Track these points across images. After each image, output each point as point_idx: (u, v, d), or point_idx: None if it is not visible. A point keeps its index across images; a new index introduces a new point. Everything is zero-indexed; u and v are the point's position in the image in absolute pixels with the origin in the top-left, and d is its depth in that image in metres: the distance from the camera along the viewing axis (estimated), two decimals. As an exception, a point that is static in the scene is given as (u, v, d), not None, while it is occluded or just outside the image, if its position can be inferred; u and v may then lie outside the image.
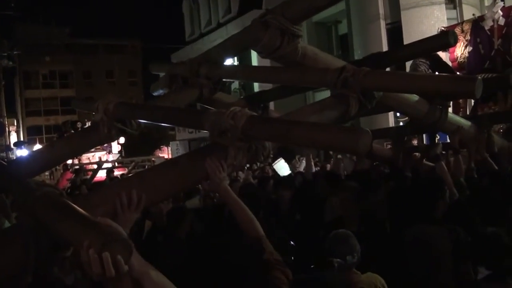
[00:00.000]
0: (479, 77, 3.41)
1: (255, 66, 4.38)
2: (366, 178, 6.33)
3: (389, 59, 5.35)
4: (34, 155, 5.40)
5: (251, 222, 3.11)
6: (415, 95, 5.06)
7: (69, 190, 13.39)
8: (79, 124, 21.26)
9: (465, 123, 5.85)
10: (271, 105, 6.66)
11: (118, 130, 4.13)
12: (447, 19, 16.30)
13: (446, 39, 4.49)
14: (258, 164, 14.36)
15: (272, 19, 3.70)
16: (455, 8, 17.45)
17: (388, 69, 5.32)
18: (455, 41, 4.58)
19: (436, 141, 7.16)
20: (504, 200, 4.85)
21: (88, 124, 21.42)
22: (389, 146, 9.54)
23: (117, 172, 19.28)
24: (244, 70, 5.71)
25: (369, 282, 3.75)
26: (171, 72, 5.43)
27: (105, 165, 20.73)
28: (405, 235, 4.41)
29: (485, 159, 5.86)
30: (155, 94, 5.88)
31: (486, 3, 13.29)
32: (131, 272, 1.90)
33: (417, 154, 7.17)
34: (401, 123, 14.01)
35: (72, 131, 20.70)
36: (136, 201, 2.79)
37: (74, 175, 17.50)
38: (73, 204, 2.20)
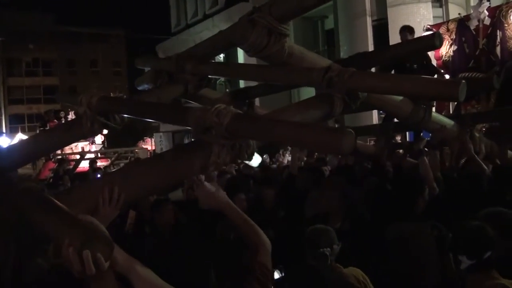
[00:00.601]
0: (463, 80, 3.42)
1: (241, 64, 4.39)
2: (350, 173, 6.37)
3: (375, 59, 5.38)
4: (16, 147, 5.35)
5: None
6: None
7: (51, 180, 13.32)
8: (62, 114, 21.05)
9: (448, 122, 5.92)
10: (257, 101, 6.63)
11: (101, 124, 4.09)
12: (433, 17, 16.38)
13: (432, 41, 4.52)
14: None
15: (259, 18, 3.68)
16: (441, 6, 17.55)
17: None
18: (441, 43, 4.63)
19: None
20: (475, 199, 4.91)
21: (71, 114, 21.28)
22: (372, 143, 9.60)
23: (100, 163, 19.20)
24: (230, 68, 5.72)
25: (351, 275, 3.78)
26: (157, 67, 5.41)
27: (88, 156, 20.61)
28: (386, 233, 4.44)
29: (473, 157, 5.92)
30: (139, 88, 5.85)
31: (472, 3, 13.38)
32: (116, 268, 1.92)
33: (400, 151, 7.23)
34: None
35: (55, 120, 20.57)
36: (116, 198, 2.78)
37: (56, 165, 17.37)
38: (55, 200, 2.19)
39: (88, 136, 4.41)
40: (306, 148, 4.68)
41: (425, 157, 5.59)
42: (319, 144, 2.68)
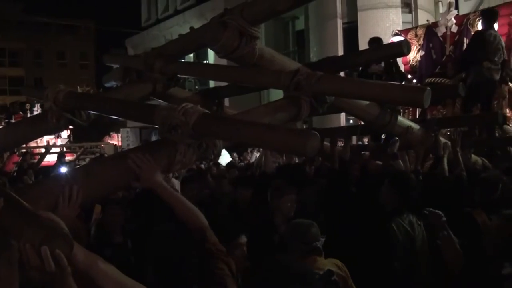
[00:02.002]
0: (428, 88, 3.51)
1: (210, 64, 4.35)
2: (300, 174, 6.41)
3: (344, 63, 5.45)
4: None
5: (191, 212, 2.99)
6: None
7: (15, 174, 13.13)
8: (27, 106, 20.80)
9: (414, 126, 6.02)
10: (226, 101, 6.65)
11: (67, 120, 4.05)
12: (402, 22, 16.61)
13: (400, 48, 4.60)
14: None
15: (230, 20, 3.69)
16: (410, 12, 17.79)
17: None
18: (408, 51, 4.73)
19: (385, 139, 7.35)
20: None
21: (37, 106, 20.99)
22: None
23: (66, 158, 18.98)
24: (199, 68, 5.72)
25: (331, 263, 3.80)
26: (125, 65, 5.40)
27: (54, 150, 20.37)
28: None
29: (441, 158, 6.06)
30: (107, 85, 5.82)
31: (441, 10, 13.57)
32: (77, 265, 1.90)
33: (366, 153, 7.31)
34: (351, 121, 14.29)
35: (21, 113, 20.27)
36: (75, 197, 2.74)
37: (20, 158, 17.13)
38: (15, 196, 2.17)
39: (53, 132, 4.38)
40: (272, 150, 4.65)
41: (399, 160, 5.69)
42: (283, 145, 2.70)
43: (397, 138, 6.23)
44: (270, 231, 5.05)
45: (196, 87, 23.41)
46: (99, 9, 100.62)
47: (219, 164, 9.72)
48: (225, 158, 10.08)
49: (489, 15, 9.51)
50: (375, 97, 3.96)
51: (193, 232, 2.93)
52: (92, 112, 4.10)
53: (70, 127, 4.35)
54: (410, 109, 10.89)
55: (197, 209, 3.00)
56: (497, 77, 9.06)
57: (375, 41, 9.54)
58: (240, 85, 5.49)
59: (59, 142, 22.51)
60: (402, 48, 4.54)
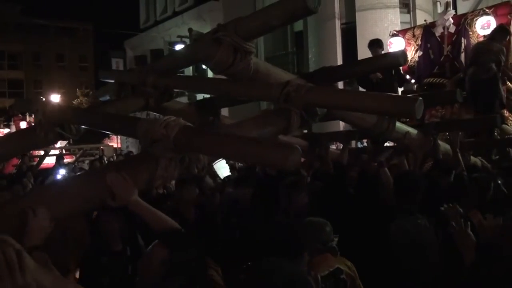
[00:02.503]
0: (420, 98, 3.45)
1: (201, 78, 4.31)
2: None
3: (341, 74, 5.43)
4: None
5: (170, 228, 2.95)
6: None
7: (14, 176, 13.13)
8: (26, 109, 20.72)
9: (412, 131, 6.02)
10: (226, 111, 6.63)
11: (56, 134, 4.02)
12: (401, 22, 16.62)
13: (396, 59, 4.65)
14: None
15: (224, 36, 3.65)
16: (408, 12, 17.82)
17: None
18: (405, 61, 4.79)
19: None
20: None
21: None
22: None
23: (65, 160, 18.97)
24: (191, 81, 5.69)
25: (341, 262, 3.79)
26: (120, 80, 5.38)
27: (53, 152, 20.34)
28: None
29: (438, 159, 6.08)
30: (101, 99, 5.82)
31: (439, 10, 13.59)
32: None
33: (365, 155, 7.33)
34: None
35: (20, 115, 20.26)
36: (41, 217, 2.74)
37: (20, 161, 17.13)
38: None
39: (42, 146, 4.32)
40: (253, 164, 4.52)
41: (385, 168, 5.69)
42: (264, 159, 2.69)
43: (387, 146, 6.29)
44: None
45: (190, 103, 23.37)
46: (98, 11, 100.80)
47: (216, 176, 9.63)
48: (223, 171, 10.02)
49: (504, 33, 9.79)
50: (366, 109, 3.90)
51: None
52: (79, 125, 4.08)
53: (60, 141, 4.34)
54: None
55: (177, 225, 3.00)
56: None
57: (375, 43, 9.56)
58: (238, 98, 5.47)
59: (58, 144, 22.45)
60: (399, 59, 4.58)
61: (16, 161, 18.19)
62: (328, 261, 3.69)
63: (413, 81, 12.18)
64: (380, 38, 10.41)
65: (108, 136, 37.70)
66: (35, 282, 1.72)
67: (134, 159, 3.38)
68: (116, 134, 4.71)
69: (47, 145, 4.26)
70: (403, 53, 4.78)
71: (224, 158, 3.03)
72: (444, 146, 6.71)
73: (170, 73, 5.07)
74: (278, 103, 3.84)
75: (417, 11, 17.42)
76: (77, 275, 4.15)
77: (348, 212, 4.91)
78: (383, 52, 9.48)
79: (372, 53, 9.15)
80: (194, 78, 4.66)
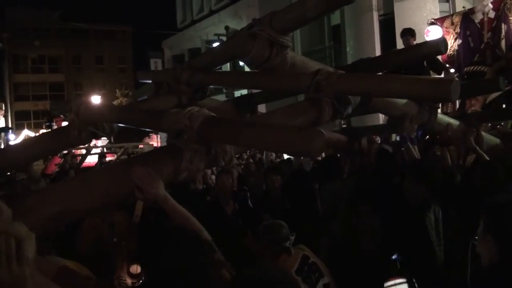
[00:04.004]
0: (456, 79, 3.26)
1: (232, 72, 4.19)
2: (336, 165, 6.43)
3: (380, 65, 5.30)
4: (2, 152, 5.21)
5: (194, 228, 2.86)
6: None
7: (56, 175, 13.38)
8: (68, 109, 21.06)
9: (454, 122, 5.87)
10: (263, 107, 6.62)
11: (89, 133, 3.96)
12: (440, 11, 16.30)
13: (437, 47, 4.48)
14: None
15: (260, 31, 3.58)
16: (447, 1, 17.49)
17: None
18: (446, 49, 4.59)
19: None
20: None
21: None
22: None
23: (106, 158, 19.26)
24: (223, 76, 5.64)
25: (300, 250, 4.00)
26: (157, 79, 5.40)
27: (94, 151, 20.66)
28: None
29: (475, 149, 5.95)
30: (139, 100, 5.87)
31: (479, -2, 13.33)
32: None
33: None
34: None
35: (62, 117, 20.59)
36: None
37: (62, 160, 17.44)
38: None
39: (76, 145, 4.14)
40: (276, 151, 4.35)
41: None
42: (287, 146, 2.59)
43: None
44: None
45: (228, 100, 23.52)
46: (136, 13, 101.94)
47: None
48: None
49: None
50: (399, 92, 3.66)
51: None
52: (112, 123, 4.05)
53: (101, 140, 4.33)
54: (450, 104, 10.71)
55: (201, 225, 2.94)
56: None
57: (407, 32, 9.43)
58: (269, 90, 5.44)
59: (99, 143, 22.78)
60: (440, 47, 4.42)
61: (58, 160, 18.53)
62: (292, 256, 3.87)
63: (452, 70, 11.97)
64: (419, 28, 10.24)
65: (148, 135, 38.28)
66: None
67: (159, 151, 3.32)
68: (145, 128, 4.69)
69: (81, 144, 4.17)
70: (443, 40, 4.57)
71: (246, 146, 2.92)
72: (488, 137, 6.58)
73: (205, 70, 4.96)
74: (308, 93, 3.71)
75: (457, 1, 17.12)
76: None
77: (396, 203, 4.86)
78: (415, 42, 9.33)
79: (404, 43, 8.99)
80: (224, 73, 4.60)
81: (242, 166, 11.04)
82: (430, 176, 4.72)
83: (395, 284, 2.67)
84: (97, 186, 2.87)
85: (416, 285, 2.84)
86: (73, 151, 20.07)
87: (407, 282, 2.71)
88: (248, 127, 2.80)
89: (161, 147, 2.98)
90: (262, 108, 6.56)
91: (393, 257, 2.97)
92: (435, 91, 3.30)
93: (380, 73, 4.80)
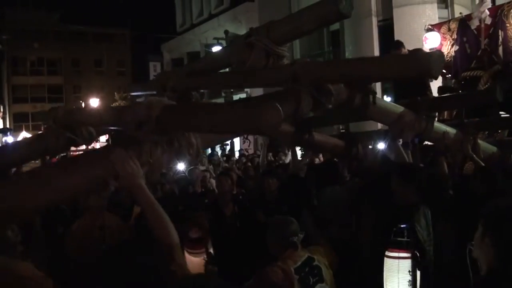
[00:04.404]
0: (438, 52, 3.11)
1: (216, 73, 4.14)
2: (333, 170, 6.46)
3: None
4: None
5: (165, 228, 2.77)
6: (399, 107, 5.13)
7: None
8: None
9: (451, 130, 5.90)
10: None
11: (67, 139, 3.77)
12: (439, 18, 16.26)
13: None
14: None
15: (256, 41, 3.58)
16: (446, 7, 17.55)
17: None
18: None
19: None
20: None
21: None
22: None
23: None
24: (207, 79, 5.65)
25: (315, 251, 4.07)
26: (146, 91, 5.36)
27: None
28: None
29: (472, 157, 5.98)
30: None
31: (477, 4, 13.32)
32: None
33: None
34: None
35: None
36: None
37: (60, 162, 17.45)
38: None
39: (52, 152, 4.02)
40: (228, 132, 4.02)
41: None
42: (238, 123, 2.49)
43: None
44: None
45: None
46: (135, 16, 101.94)
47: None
48: None
49: None
50: (377, 74, 3.51)
51: (162, 249, 2.73)
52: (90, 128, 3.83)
53: (72, 148, 4.10)
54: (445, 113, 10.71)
55: (172, 225, 2.80)
56: None
57: (400, 44, 9.49)
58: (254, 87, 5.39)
59: (97, 147, 22.79)
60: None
61: (57, 162, 18.52)
62: (298, 253, 3.91)
63: (449, 76, 11.98)
64: (418, 34, 10.25)
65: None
66: None
67: (122, 141, 2.96)
68: (112, 126, 4.50)
69: (59, 152, 4.02)
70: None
71: (204, 131, 2.75)
72: (485, 146, 6.60)
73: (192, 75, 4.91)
74: (286, 84, 3.61)
75: (455, 6, 17.13)
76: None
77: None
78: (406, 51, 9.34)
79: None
80: (209, 75, 4.52)
81: (241, 170, 11.14)
82: (417, 177, 4.72)
83: (398, 258, 2.63)
84: (80, 170, 2.85)
85: (419, 261, 2.81)
86: (71, 154, 20.08)
87: (411, 258, 2.66)
88: (202, 110, 2.75)
89: (123, 139, 2.74)
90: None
91: (402, 225, 2.89)
92: (415, 67, 3.16)
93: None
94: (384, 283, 2.69)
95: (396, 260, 2.62)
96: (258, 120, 2.30)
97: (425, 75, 3.36)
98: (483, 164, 5.85)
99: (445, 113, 10.15)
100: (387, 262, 2.65)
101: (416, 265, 2.58)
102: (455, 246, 4.50)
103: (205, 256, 3.66)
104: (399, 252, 2.59)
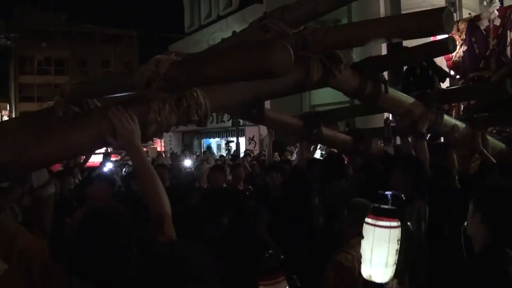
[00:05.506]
0: (448, 7, 3.05)
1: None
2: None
3: (388, 62, 5.35)
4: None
5: (157, 194, 2.67)
6: (410, 98, 5.13)
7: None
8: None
9: (460, 125, 5.93)
10: (268, 104, 6.64)
11: (74, 114, 3.62)
12: (447, 22, 16.35)
13: (445, 45, 4.42)
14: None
15: (271, 24, 3.57)
16: (455, 11, 17.55)
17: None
18: (454, 47, 4.53)
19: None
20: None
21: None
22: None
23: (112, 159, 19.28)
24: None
25: None
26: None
27: (98, 151, 20.68)
28: None
29: (482, 152, 6.00)
30: None
31: (485, 7, 13.33)
32: None
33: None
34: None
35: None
36: None
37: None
38: None
39: None
40: (239, 78, 3.77)
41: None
42: (250, 64, 2.34)
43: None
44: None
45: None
46: (143, 17, 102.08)
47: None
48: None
49: None
50: (390, 33, 3.43)
51: (150, 218, 2.61)
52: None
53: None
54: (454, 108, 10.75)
55: (165, 194, 2.71)
56: None
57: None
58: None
59: (104, 144, 22.78)
60: (448, 46, 4.37)
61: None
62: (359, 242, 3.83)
63: (458, 76, 12.01)
64: (426, 37, 10.22)
65: (151, 139, 38.32)
66: None
67: (125, 103, 2.92)
68: (120, 92, 4.35)
69: None
70: (452, 40, 4.53)
71: (213, 81, 2.55)
72: (494, 142, 6.61)
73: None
74: (295, 51, 3.40)
75: (464, 10, 17.15)
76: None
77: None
78: None
79: None
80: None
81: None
82: (416, 169, 4.75)
83: (390, 227, 2.59)
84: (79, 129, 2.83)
85: (410, 228, 2.78)
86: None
87: (399, 226, 2.64)
88: (213, 57, 2.64)
89: (128, 98, 2.61)
90: (266, 104, 6.63)
91: (386, 192, 2.85)
92: (427, 23, 3.15)
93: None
94: (370, 252, 2.64)
95: (388, 230, 2.59)
96: (268, 63, 2.20)
97: (438, 31, 3.14)
98: (493, 160, 5.87)
99: (453, 111, 10.19)
100: (376, 231, 2.61)
101: (403, 234, 2.57)
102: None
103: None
104: (390, 221, 2.57)
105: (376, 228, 2.61)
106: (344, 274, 3.30)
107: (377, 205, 2.69)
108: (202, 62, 2.64)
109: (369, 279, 2.69)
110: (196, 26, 35.35)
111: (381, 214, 2.63)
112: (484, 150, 6.01)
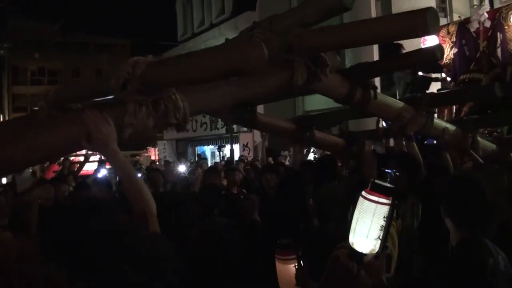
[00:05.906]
0: (432, 7, 3.04)
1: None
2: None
3: (378, 69, 5.37)
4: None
5: (139, 193, 2.61)
6: (400, 102, 5.18)
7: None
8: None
9: (450, 127, 6.02)
10: (261, 109, 6.70)
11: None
12: (437, 26, 16.44)
13: (432, 53, 4.50)
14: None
15: (259, 34, 3.51)
16: (445, 16, 17.67)
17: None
18: (442, 55, 4.58)
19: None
20: None
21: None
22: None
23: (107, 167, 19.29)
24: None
25: None
26: None
27: (92, 158, 20.69)
28: None
29: (470, 154, 6.04)
30: None
31: (476, 11, 13.45)
32: None
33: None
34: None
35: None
36: None
37: (61, 167, 17.46)
38: None
39: None
40: (218, 78, 3.57)
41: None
42: (231, 64, 2.33)
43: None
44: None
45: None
46: (136, 26, 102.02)
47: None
48: None
49: None
50: (374, 36, 3.43)
51: (134, 218, 2.54)
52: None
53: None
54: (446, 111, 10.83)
55: (149, 194, 2.66)
56: None
57: (401, 46, 9.60)
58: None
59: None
60: (435, 53, 4.45)
61: (57, 167, 18.53)
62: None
63: (449, 79, 12.09)
64: (417, 40, 10.33)
65: (145, 148, 38.41)
66: None
67: (99, 105, 2.84)
68: (98, 96, 4.30)
69: None
70: (439, 47, 4.64)
71: (190, 82, 2.49)
72: (484, 143, 6.66)
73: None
74: (279, 54, 3.52)
75: (454, 15, 17.26)
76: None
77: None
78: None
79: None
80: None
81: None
82: (409, 164, 4.81)
83: (377, 202, 2.62)
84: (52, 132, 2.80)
85: (395, 210, 2.80)
86: (72, 158, 20.10)
87: (389, 204, 2.66)
88: (189, 58, 2.61)
89: (102, 100, 2.56)
90: (260, 109, 6.66)
91: (387, 170, 2.86)
92: (412, 24, 3.11)
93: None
94: (354, 221, 2.71)
95: (374, 204, 2.63)
96: (245, 57, 2.23)
97: (423, 31, 3.08)
98: (481, 161, 5.92)
99: (445, 112, 10.26)
100: (364, 203, 2.66)
101: (392, 213, 2.60)
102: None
103: (296, 264, 3.59)
104: (379, 197, 2.60)
105: (365, 201, 2.67)
106: (339, 268, 3.33)
107: (375, 180, 2.74)
108: (178, 61, 2.65)
109: (352, 246, 2.77)
110: (189, 34, 35.42)
111: (373, 189, 2.68)
112: (472, 152, 6.05)
